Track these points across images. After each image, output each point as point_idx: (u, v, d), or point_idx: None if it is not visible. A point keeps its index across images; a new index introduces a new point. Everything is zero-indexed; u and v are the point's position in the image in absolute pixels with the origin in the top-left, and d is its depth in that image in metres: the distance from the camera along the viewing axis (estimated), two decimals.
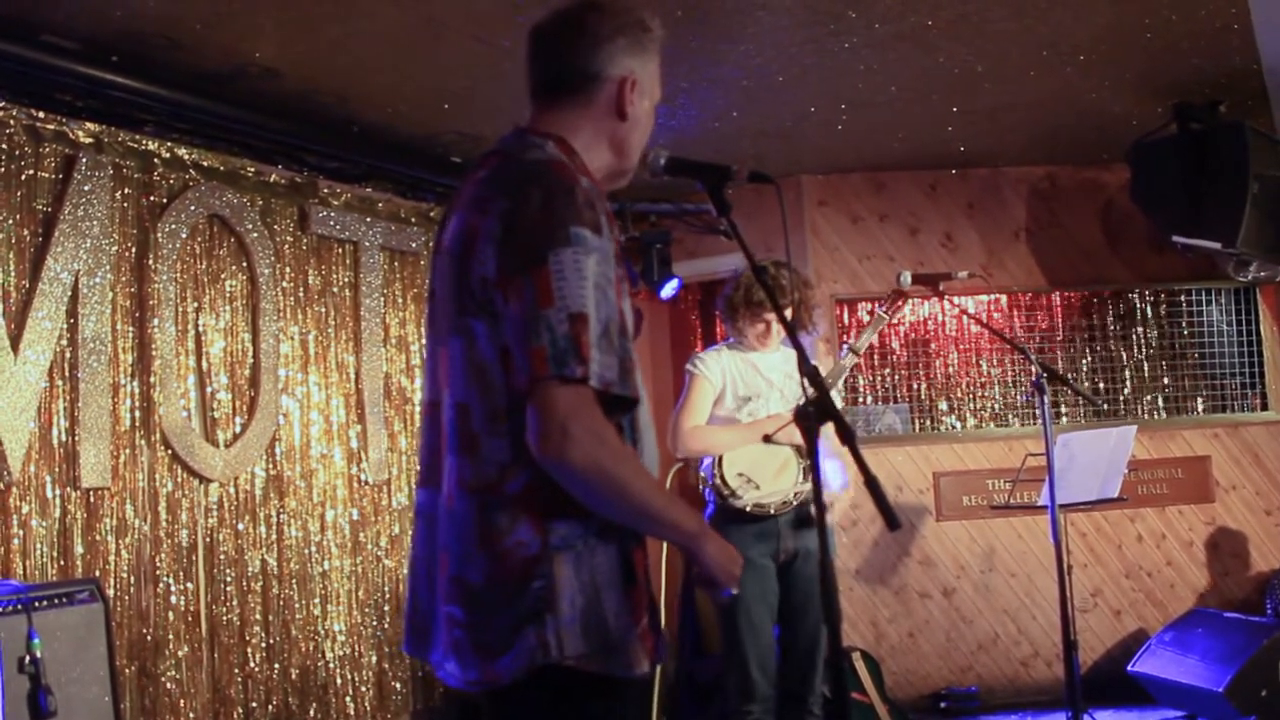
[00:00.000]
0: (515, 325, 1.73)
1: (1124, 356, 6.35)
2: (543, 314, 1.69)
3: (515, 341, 1.74)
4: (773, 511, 3.87)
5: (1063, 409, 6.18)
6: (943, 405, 6.18)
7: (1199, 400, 6.34)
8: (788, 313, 3.99)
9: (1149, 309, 6.38)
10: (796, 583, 3.92)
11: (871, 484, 1.60)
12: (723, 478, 3.90)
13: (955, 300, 4.18)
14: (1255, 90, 4.90)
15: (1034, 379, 4.03)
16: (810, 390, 1.66)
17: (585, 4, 2.00)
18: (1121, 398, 6.31)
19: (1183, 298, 6.38)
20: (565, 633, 1.73)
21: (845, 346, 4.33)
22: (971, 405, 6.22)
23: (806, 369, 1.67)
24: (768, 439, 3.81)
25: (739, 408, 4.01)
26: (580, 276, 1.70)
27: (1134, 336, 6.36)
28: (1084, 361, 6.32)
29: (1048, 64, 4.66)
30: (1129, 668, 5.46)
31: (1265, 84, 4.80)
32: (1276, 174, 5.01)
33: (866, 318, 6.20)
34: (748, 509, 3.87)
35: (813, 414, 1.64)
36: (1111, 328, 6.36)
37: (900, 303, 4.33)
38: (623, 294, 1.81)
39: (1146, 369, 6.36)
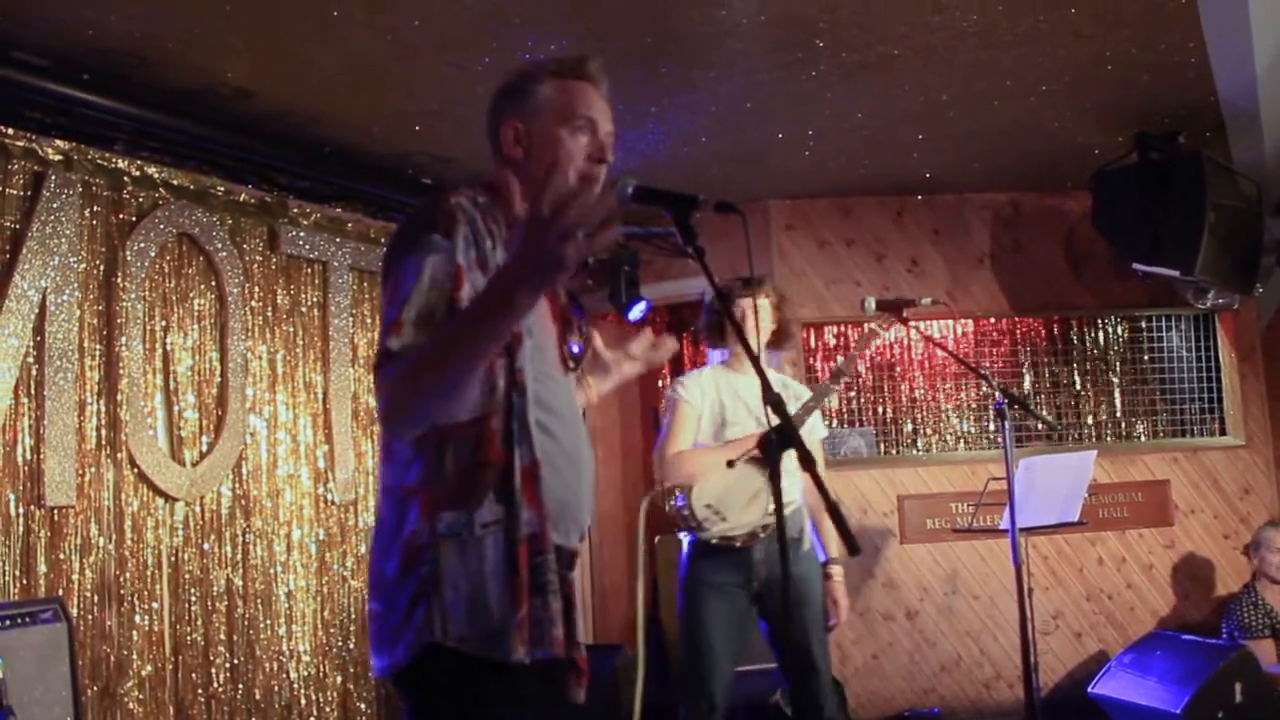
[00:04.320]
0: None
1: (1085, 381, 6.45)
2: (385, 313, 1.90)
3: None
4: (739, 545, 3.84)
5: (1031, 431, 6.25)
6: (908, 428, 6.25)
7: (1159, 425, 6.44)
8: (770, 305, 3.97)
9: (1110, 335, 6.48)
10: (773, 591, 3.88)
11: (833, 510, 1.64)
12: (691, 509, 3.86)
13: (919, 326, 4.23)
14: (1213, 121, 5.01)
15: (995, 404, 4.09)
16: (773, 418, 1.70)
17: None
18: (1082, 422, 6.39)
19: (1143, 324, 6.49)
20: (450, 616, 1.87)
21: (834, 366, 4.29)
22: (936, 429, 6.29)
23: (770, 398, 1.70)
24: (731, 464, 3.81)
25: (715, 433, 3.97)
26: (417, 272, 1.86)
27: (1095, 361, 6.46)
28: (1046, 386, 6.41)
29: (1012, 94, 4.74)
30: (1089, 689, 5.52)
31: (1222, 115, 4.91)
32: (1233, 203, 5.12)
33: (832, 340, 6.27)
34: (714, 541, 3.84)
35: (775, 441, 1.67)
36: (1074, 353, 6.45)
37: (892, 319, 4.26)
38: (467, 277, 1.90)
39: (1107, 394, 6.46)
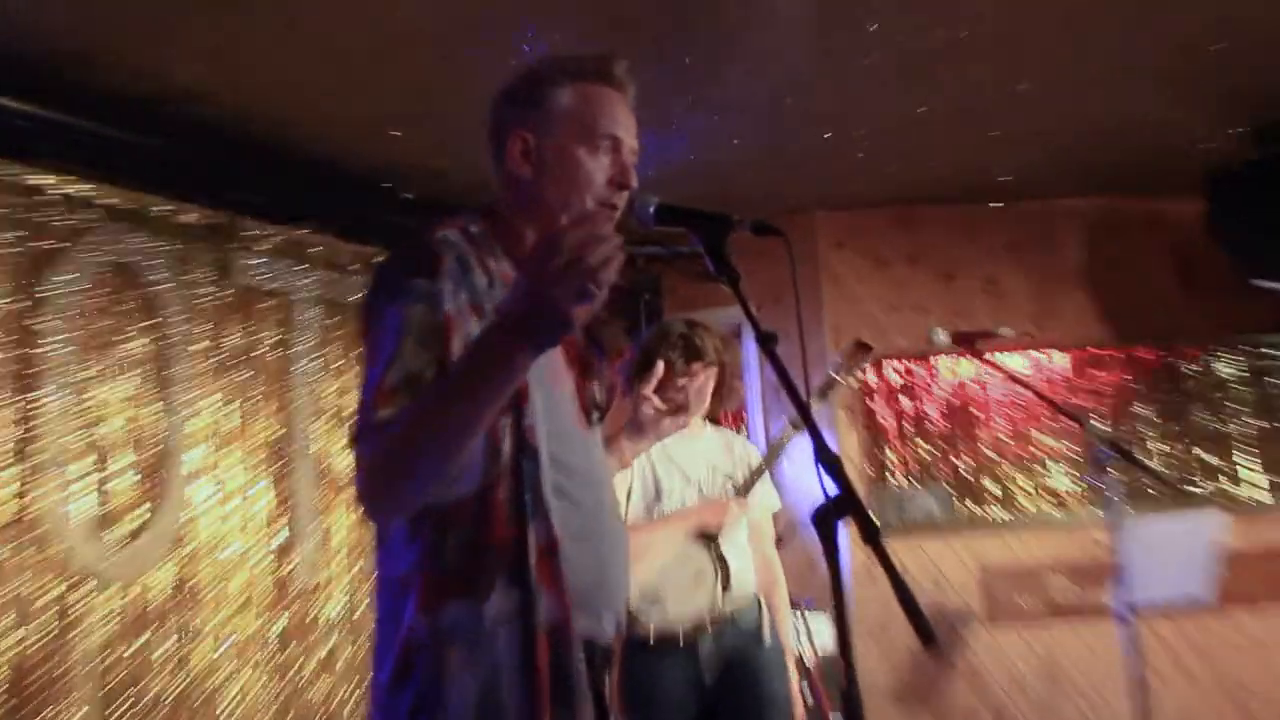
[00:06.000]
0: None
1: (1208, 424, 6.39)
2: (366, 374, 1.89)
3: None
4: (682, 640, 3.68)
5: (1144, 487, 6.20)
6: (990, 485, 6.20)
7: None
8: (710, 377, 3.80)
9: (1234, 366, 6.44)
10: (728, 698, 3.75)
11: (901, 590, 1.60)
12: None
13: (999, 360, 4.21)
14: None
15: (1097, 454, 4.06)
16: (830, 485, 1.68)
17: None
18: (1206, 474, 6.33)
19: (1275, 353, 6.44)
20: None
21: (785, 419, 4.19)
22: (1024, 485, 6.25)
23: (826, 456, 1.68)
24: (707, 535, 3.75)
25: (648, 507, 3.80)
26: (397, 326, 1.86)
27: (1219, 400, 6.40)
28: (1159, 431, 6.36)
29: (1103, 81, 4.75)
30: None
31: None
32: None
33: (895, 379, 6.25)
34: (650, 639, 3.66)
35: (833, 510, 1.65)
36: (1191, 390, 6.40)
37: (860, 356, 4.11)
38: (458, 325, 1.89)
39: (1237, 439, 6.39)
